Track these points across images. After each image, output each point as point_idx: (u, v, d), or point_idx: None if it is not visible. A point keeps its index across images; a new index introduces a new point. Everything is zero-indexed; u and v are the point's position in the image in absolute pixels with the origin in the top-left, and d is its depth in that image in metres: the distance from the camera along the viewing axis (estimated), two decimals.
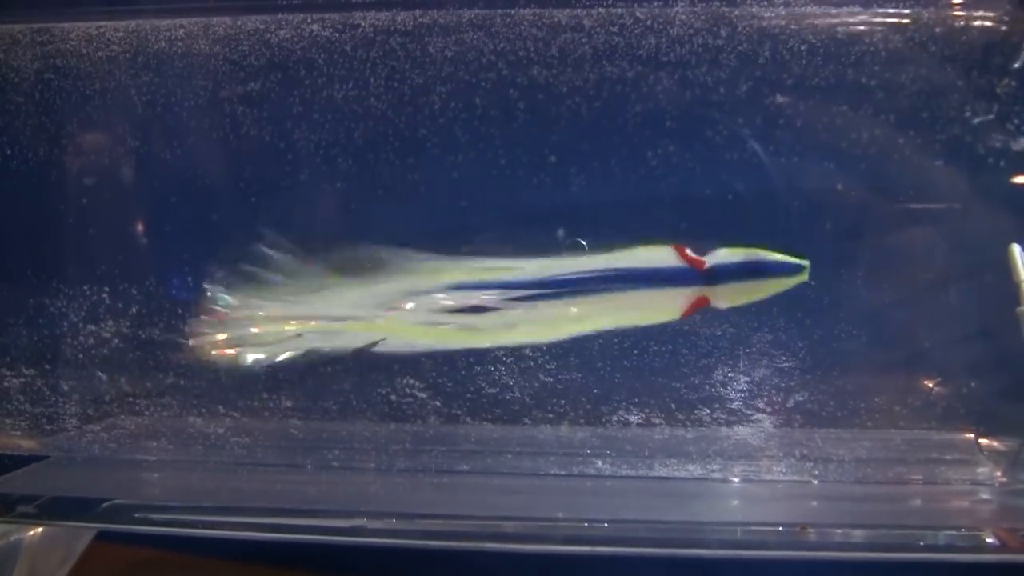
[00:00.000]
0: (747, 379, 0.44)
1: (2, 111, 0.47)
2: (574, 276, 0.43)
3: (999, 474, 0.43)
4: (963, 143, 0.42)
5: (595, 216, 0.45)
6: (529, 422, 0.45)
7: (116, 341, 0.47)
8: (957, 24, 0.42)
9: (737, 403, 0.44)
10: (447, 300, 0.44)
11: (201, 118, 0.47)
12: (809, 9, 0.43)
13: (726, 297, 0.42)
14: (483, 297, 0.44)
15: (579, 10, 0.43)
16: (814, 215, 0.43)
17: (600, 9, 0.43)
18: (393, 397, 0.45)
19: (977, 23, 0.42)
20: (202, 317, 0.46)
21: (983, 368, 0.43)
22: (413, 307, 0.45)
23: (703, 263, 0.42)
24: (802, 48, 0.42)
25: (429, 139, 0.45)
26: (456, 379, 0.45)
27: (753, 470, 0.44)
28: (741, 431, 0.44)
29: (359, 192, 0.46)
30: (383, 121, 0.45)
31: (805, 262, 0.41)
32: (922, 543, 0.38)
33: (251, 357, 0.45)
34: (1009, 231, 0.41)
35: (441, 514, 0.42)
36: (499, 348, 0.44)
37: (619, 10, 0.43)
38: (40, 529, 0.47)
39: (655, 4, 0.43)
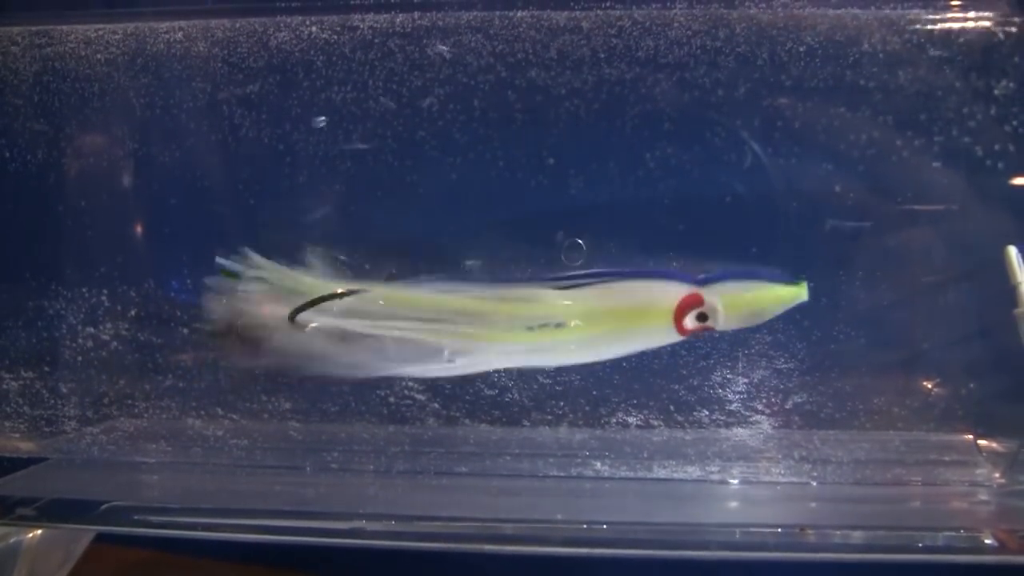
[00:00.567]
0: (746, 381, 0.44)
1: (1, 113, 0.47)
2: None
3: (998, 475, 0.43)
4: (961, 144, 0.42)
5: (594, 218, 0.45)
6: (528, 424, 0.45)
7: (115, 343, 0.47)
8: (955, 25, 0.42)
9: (736, 405, 0.44)
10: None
11: (200, 120, 0.47)
12: (807, 11, 0.43)
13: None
14: None
15: (577, 12, 0.43)
16: (812, 216, 0.43)
17: (598, 11, 0.43)
18: (392, 399, 0.45)
19: (975, 24, 0.42)
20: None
21: (981, 370, 0.43)
22: None
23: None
24: (800, 50, 0.42)
25: (427, 141, 0.45)
26: (455, 381, 0.45)
27: (752, 472, 0.44)
28: (740, 433, 0.44)
29: (358, 193, 0.46)
30: (382, 123, 0.45)
31: (803, 292, 0.41)
32: (921, 544, 0.38)
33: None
34: (1007, 233, 0.41)
35: (440, 516, 0.41)
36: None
37: (617, 12, 0.43)
38: (39, 531, 0.47)
39: (653, 6, 0.43)
